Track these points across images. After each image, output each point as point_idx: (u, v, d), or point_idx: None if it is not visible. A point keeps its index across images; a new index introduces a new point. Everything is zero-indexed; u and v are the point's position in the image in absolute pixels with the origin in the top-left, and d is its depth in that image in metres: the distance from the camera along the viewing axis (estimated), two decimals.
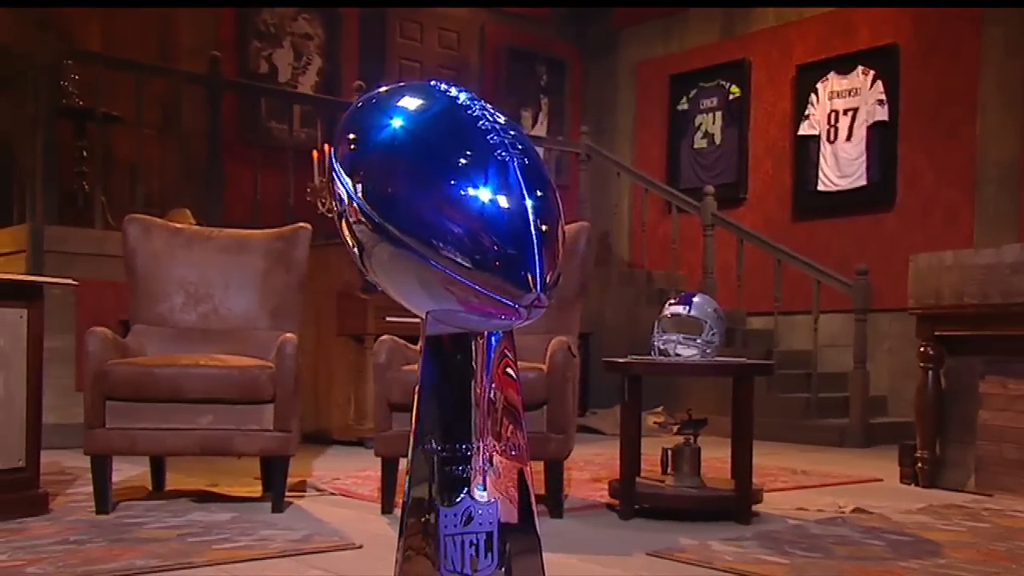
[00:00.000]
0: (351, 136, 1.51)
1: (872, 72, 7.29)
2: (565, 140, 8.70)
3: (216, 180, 6.52)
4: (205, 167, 6.58)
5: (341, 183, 1.48)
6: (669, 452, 3.68)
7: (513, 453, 1.56)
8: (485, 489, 1.51)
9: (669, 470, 3.68)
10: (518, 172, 1.42)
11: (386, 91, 1.58)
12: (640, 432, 3.73)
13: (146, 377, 3.41)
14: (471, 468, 1.48)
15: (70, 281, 3.64)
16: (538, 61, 9.16)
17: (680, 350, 3.69)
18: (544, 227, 1.43)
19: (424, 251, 1.37)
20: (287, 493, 3.60)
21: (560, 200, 1.51)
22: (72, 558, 2.69)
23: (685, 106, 8.60)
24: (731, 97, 8.27)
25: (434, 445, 1.48)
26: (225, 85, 6.76)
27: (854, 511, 3.74)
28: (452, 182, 1.38)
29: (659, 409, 6.18)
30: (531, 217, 1.41)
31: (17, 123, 6.02)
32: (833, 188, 7.47)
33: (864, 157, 7.31)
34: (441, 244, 1.36)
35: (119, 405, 3.42)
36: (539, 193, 1.44)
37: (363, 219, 1.41)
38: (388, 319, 5.52)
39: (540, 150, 8.40)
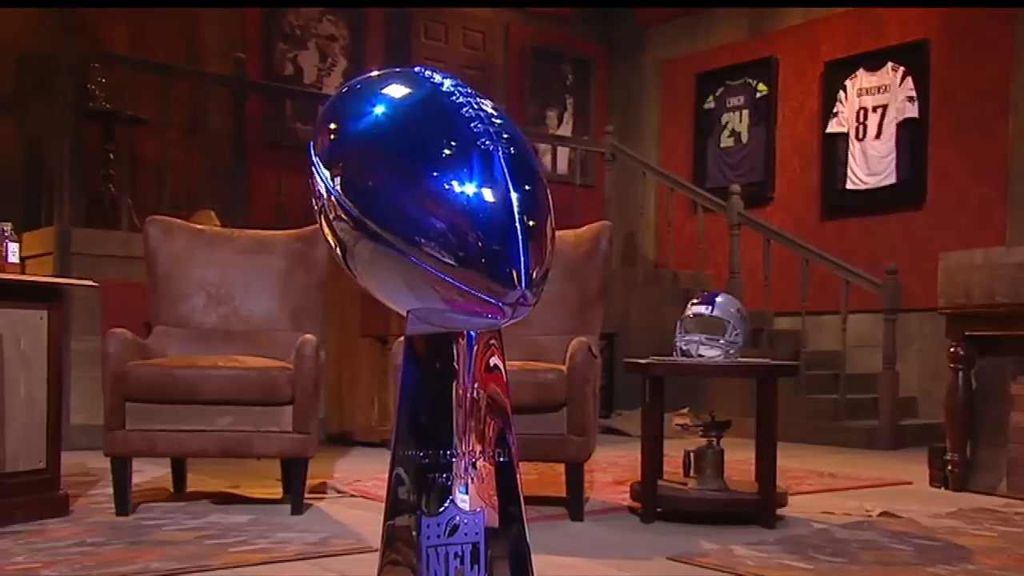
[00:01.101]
0: (331, 126, 1.45)
1: (902, 68, 7.17)
2: (590, 140, 8.65)
3: (241, 182, 6.53)
4: (230, 169, 6.59)
5: (319, 176, 1.42)
6: (692, 454, 3.62)
7: (501, 459, 1.50)
8: (470, 497, 1.44)
9: (692, 473, 3.62)
10: (503, 163, 1.35)
11: (369, 78, 1.51)
12: (662, 434, 3.68)
13: (165, 378, 3.41)
14: (455, 475, 1.41)
15: (90, 282, 3.64)
16: (563, 61, 9.11)
17: (703, 351, 3.63)
18: (531, 221, 1.36)
19: (405, 248, 1.31)
20: (307, 495, 3.58)
21: (549, 193, 1.45)
22: (88, 560, 2.68)
23: (712, 105, 8.51)
24: (758, 95, 8.18)
25: (415, 451, 1.42)
26: (250, 87, 6.77)
27: (881, 515, 3.67)
28: (434, 174, 1.32)
29: (684, 410, 6.10)
30: (516, 210, 1.35)
31: (46, 127, 6.07)
32: (862, 186, 7.36)
33: (894, 155, 7.19)
34: (423, 240, 1.30)
35: (138, 407, 3.41)
36: (526, 186, 1.37)
37: (343, 215, 1.36)
38: None
39: (565, 150, 8.39)
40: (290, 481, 3.59)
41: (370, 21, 8.07)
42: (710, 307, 3.64)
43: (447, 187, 1.32)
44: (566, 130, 9.00)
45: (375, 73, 1.52)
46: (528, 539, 1.60)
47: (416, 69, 1.51)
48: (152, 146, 6.40)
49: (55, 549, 2.81)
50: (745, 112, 8.26)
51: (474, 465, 1.43)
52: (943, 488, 4.39)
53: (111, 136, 6.38)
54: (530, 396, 3.37)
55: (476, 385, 1.46)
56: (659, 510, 3.48)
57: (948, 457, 4.40)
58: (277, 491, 3.88)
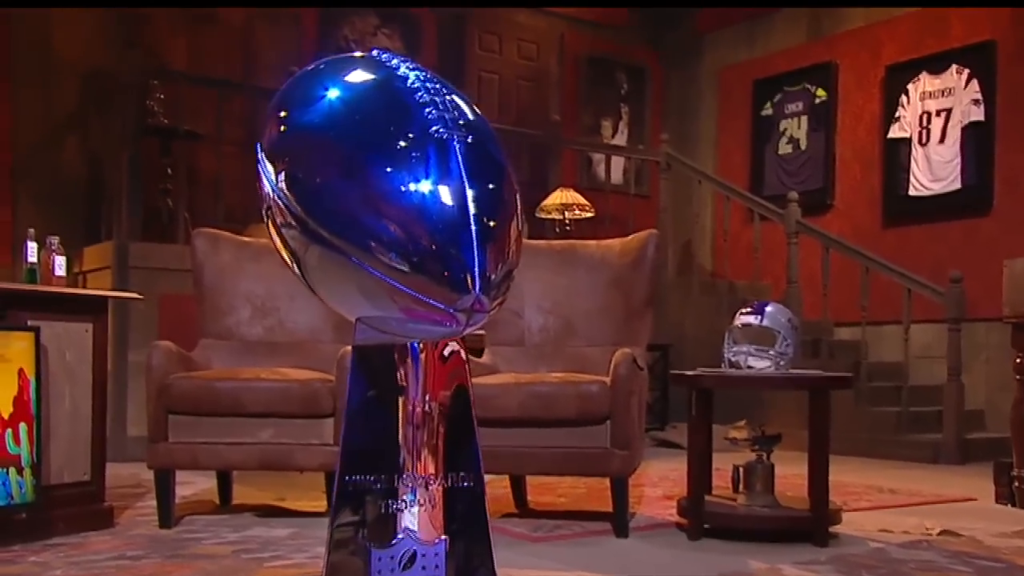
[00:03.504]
0: (281, 114, 1.35)
1: (967, 71, 6.93)
2: (645, 149, 8.52)
3: None
4: None
5: (264, 173, 1.33)
6: (741, 469, 3.49)
7: (466, 483, 1.38)
8: (428, 525, 1.33)
9: (741, 488, 3.49)
10: (460, 155, 1.24)
11: (323, 62, 1.41)
12: (710, 448, 3.56)
13: (207, 391, 3.39)
14: (410, 500, 1.29)
15: (135, 295, 3.65)
16: (618, 69, 9.01)
17: (752, 362, 3.50)
18: (490, 220, 1.25)
19: (356, 253, 1.22)
20: None
21: (517, 189, 1.33)
22: (124, 574, 2.67)
23: (769, 111, 8.34)
24: (817, 101, 7.99)
25: (362, 475, 1.31)
26: None
27: (942, 533, 3.49)
28: (387, 170, 1.21)
29: (741, 423, 5.93)
30: (471, 208, 1.24)
31: (106, 142, 6.16)
32: (925, 192, 7.13)
33: (958, 159, 6.95)
34: (374, 244, 1.20)
35: (181, 419, 3.40)
36: (485, 181, 1.26)
37: (289, 218, 1.27)
38: None
39: (620, 159, 8.28)
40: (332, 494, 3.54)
41: (424, 34, 8.07)
42: (759, 317, 3.52)
43: (397, 184, 1.21)
44: (621, 139, 8.89)
45: (329, 58, 1.42)
46: (496, 572, 1.44)
47: (374, 52, 1.40)
48: (209, 160, 6.46)
49: (93, 562, 2.80)
50: (804, 118, 8.08)
51: (426, 487, 1.31)
52: (1009, 505, 4.18)
53: (169, 151, 6.45)
54: (573, 409, 3.29)
55: (428, 398, 1.34)
56: (707, 527, 3.36)
57: (1015, 473, 4.19)
58: (322, 504, 3.84)
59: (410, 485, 1.31)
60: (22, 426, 2.97)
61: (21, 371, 3.00)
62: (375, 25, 7.90)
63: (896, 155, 7.35)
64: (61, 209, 6.17)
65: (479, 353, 3.90)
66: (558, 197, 6.76)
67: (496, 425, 3.34)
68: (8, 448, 2.93)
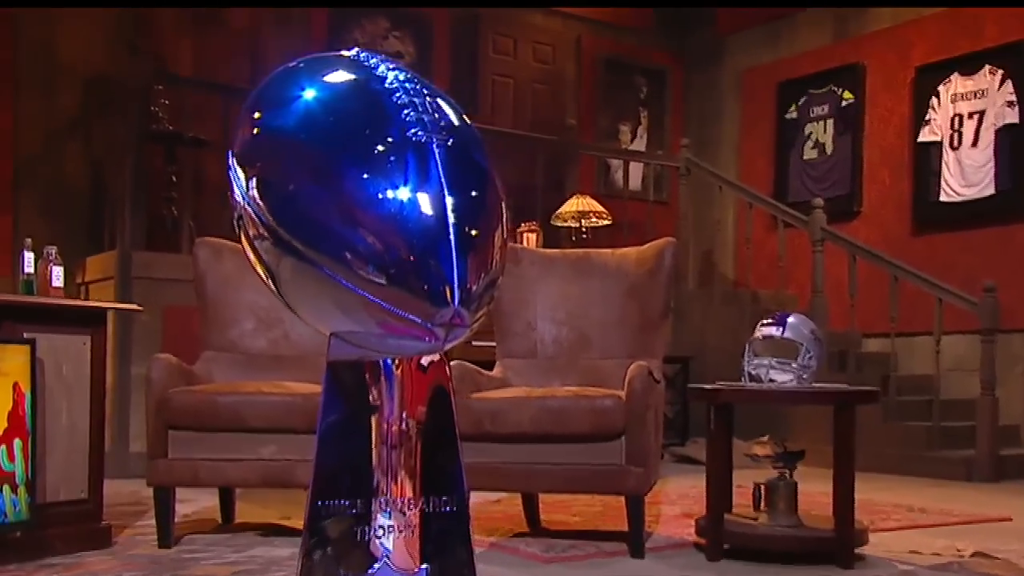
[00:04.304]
0: (254, 115, 1.33)
1: (1000, 72, 6.88)
2: (665, 154, 8.50)
3: None
4: None
5: (234, 180, 1.31)
6: (762, 487, 3.46)
7: (447, 508, 1.35)
8: (407, 553, 1.30)
9: (762, 507, 3.45)
10: (439, 160, 1.22)
11: (299, 62, 1.39)
12: (730, 464, 3.52)
13: (207, 405, 3.39)
14: (387, 525, 1.26)
15: (135, 307, 3.65)
16: (637, 72, 8.99)
17: (773, 375, 3.47)
18: (471, 229, 1.22)
19: (330, 266, 1.19)
20: None
21: (503, 196, 1.31)
22: None
23: (794, 114, 8.29)
24: (844, 103, 7.94)
25: (336, 500, 1.28)
26: None
27: (974, 555, 3.44)
28: (363, 176, 1.18)
29: (764, 438, 5.89)
30: (451, 217, 1.21)
31: (109, 149, 6.19)
32: (957, 198, 7.07)
33: (992, 164, 6.89)
34: (349, 256, 1.18)
35: (182, 435, 3.40)
36: (467, 187, 1.23)
37: (261, 229, 1.25)
38: (474, 343, 5.42)
39: (639, 165, 8.25)
40: None
41: (436, 37, 8.08)
42: (781, 328, 3.48)
43: (373, 192, 1.18)
44: (640, 145, 8.87)
45: (307, 57, 1.40)
46: None
47: (352, 51, 1.38)
48: (215, 168, 6.47)
49: None
50: (830, 122, 8.03)
51: (403, 512, 1.28)
52: None
53: (174, 158, 6.47)
54: (586, 424, 3.27)
55: (405, 416, 1.31)
56: (726, 547, 3.32)
57: None
58: None
59: (387, 510, 1.28)
60: (17, 442, 2.98)
61: (16, 385, 3.00)
62: (386, 28, 7.92)
63: (926, 159, 7.28)
64: (63, 218, 6.20)
65: (489, 366, 3.88)
66: (574, 204, 6.75)
67: (507, 441, 3.33)
68: (2, 465, 2.93)
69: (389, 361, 1.30)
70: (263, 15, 7.25)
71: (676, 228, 7.46)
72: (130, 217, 5.73)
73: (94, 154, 6.44)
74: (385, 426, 1.29)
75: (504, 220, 1.30)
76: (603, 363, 3.79)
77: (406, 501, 1.30)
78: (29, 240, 3.52)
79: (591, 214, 6.71)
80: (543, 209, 6.91)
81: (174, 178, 6.45)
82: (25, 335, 3.11)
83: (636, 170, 8.39)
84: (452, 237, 1.20)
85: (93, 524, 3.33)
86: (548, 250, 4.39)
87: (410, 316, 1.20)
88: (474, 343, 5.38)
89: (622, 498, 3.35)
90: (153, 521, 3.56)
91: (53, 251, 3.49)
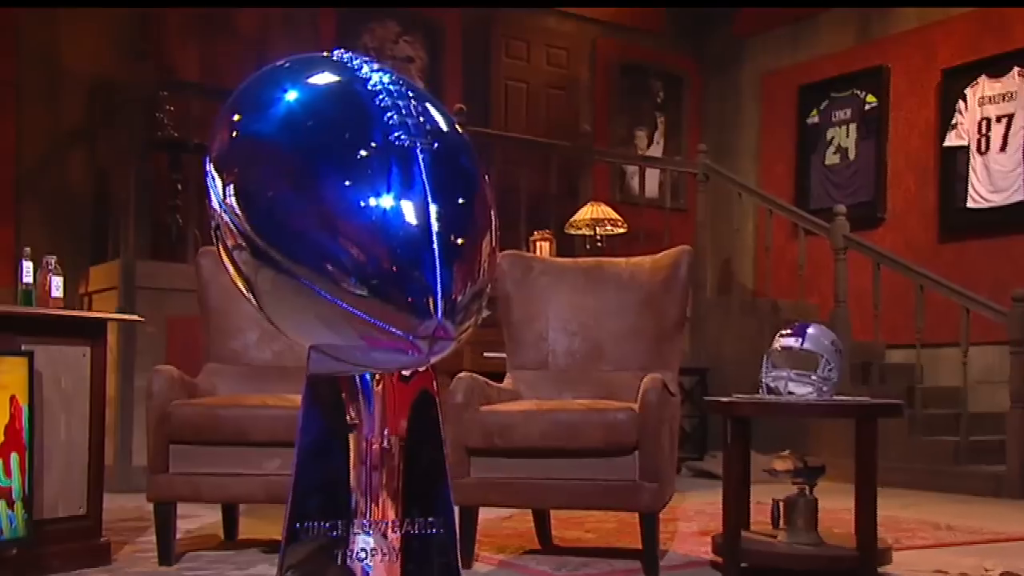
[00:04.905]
0: (234, 117, 1.31)
1: None
2: (682, 160, 8.47)
3: None
4: None
5: (211, 187, 1.29)
6: (780, 504, 3.42)
7: (433, 530, 1.32)
8: None
9: (782, 524, 3.42)
10: (423, 165, 1.20)
11: (279, 64, 1.37)
12: (748, 480, 3.49)
13: (209, 419, 3.38)
14: (368, 549, 1.24)
15: (136, 317, 3.66)
16: (653, 77, 8.98)
17: (792, 387, 3.44)
18: (457, 238, 1.20)
19: (310, 278, 1.17)
20: None
21: (492, 203, 1.28)
22: None
23: (815, 119, 8.27)
24: (867, 107, 7.91)
25: (315, 522, 1.26)
26: None
27: (1003, 575, 3.39)
28: (342, 182, 1.16)
29: (785, 453, 5.85)
30: (434, 225, 1.19)
31: (113, 157, 6.21)
32: (985, 204, 7.03)
33: (1021, 168, 6.85)
34: (331, 267, 1.16)
35: (183, 449, 3.39)
36: (453, 194, 1.20)
37: (239, 239, 1.23)
38: (486, 355, 5.41)
39: (655, 172, 8.23)
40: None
41: (447, 41, 8.09)
42: (800, 339, 3.45)
43: (354, 199, 1.16)
44: (656, 150, 8.85)
45: (298, 56, 1.39)
46: None
47: (336, 52, 1.37)
48: None
49: None
50: (852, 126, 8.00)
51: (384, 534, 1.25)
52: None
53: (179, 166, 6.49)
54: (598, 438, 3.25)
55: (387, 433, 1.28)
56: (744, 566, 3.29)
57: None
58: None
59: (368, 531, 1.25)
60: (13, 456, 2.97)
61: (13, 398, 3.00)
62: (396, 32, 7.94)
63: (953, 164, 7.25)
64: (66, 226, 6.23)
65: (500, 377, 3.87)
66: (589, 212, 6.72)
67: (517, 455, 3.31)
68: None
69: (367, 376, 1.27)
70: (271, 20, 7.28)
71: (694, 236, 7.43)
72: (134, 226, 5.74)
73: (98, 162, 6.47)
74: (364, 445, 1.27)
75: (493, 227, 1.27)
76: (616, 375, 3.76)
77: (388, 523, 1.27)
78: (28, 249, 3.52)
79: (606, 222, 6.68)
80: (557, 217, 6.90)
81: (179, 186, 6.47)
82: (23, 347, 3.11)
83: (653, 177, 8.37)
84: (436, 246, 1.18)
85: (92, 541, 3.32)
86: (560, 259, 4.38)
87: (392, 329, 1.18)
88: (485, 354, 5.39)
89: (631, 516, 3.32)
90: (154, 537, 3.56)
91: (52, 261, 3.49)
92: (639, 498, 3.24)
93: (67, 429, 3.29)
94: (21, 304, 3.41)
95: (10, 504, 2.95)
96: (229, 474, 3.38)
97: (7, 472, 2.95)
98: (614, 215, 6.73)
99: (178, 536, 3.47)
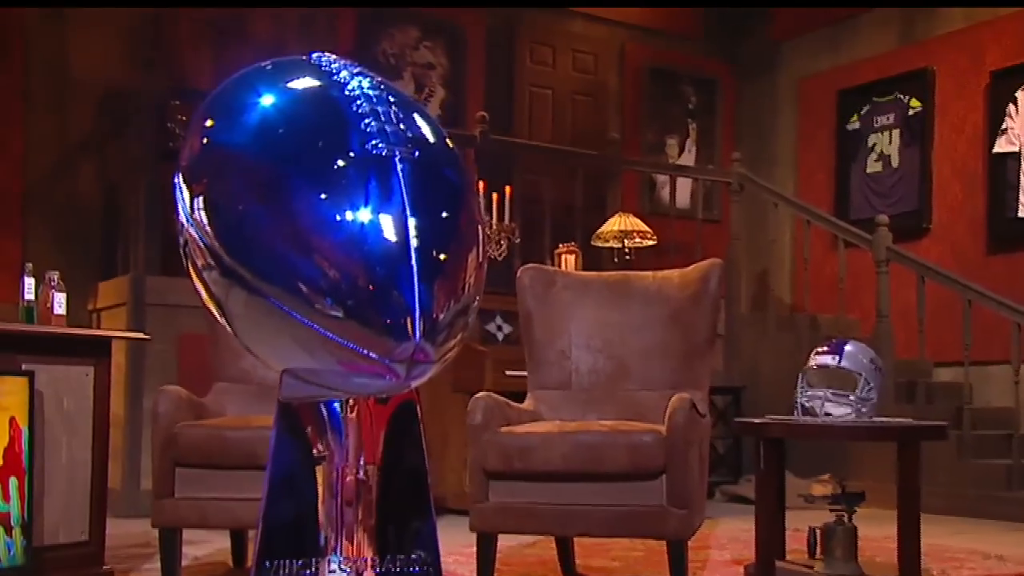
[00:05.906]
0: (207, 123, 1.28)
1: None
2: (715, 169, 8.43)
3: None
4: None
5: (179, 200, 1.26)
6: (818, 531, 3.38)
7: (417, 568, 1.29)
8: None
9: (818, 553, 3.37)
10: (402, 175, 1.16)
11: (254, 68, 1.35)
12: (783, 506, 3.45)
13: (216, 441, 3.38)
14: None
15: (142, 335, 3.67)
16: (685, 82, 8.95)
17: (829, 408, 3.40)
18: (439, 253, 1.16)
19: (283, 299, 1.14)
20: None
21: (478, 216, 1.25)
22: None
23: (856, 125, 8.21)
24: (911, 112, 7.84)
25: (283, 560, 1.22)
26: None
27: None
28: (318, 195, 1.13)
29: (825, 477, 5.77)
30: (412, 241, 1.15)
31: (124, 168, 6.25)
32: None
33: None
34: (305, 288, 1.13)
35: (189, 472, 3.40)
36: (434, 206, 1.17)
37: (208, 258, 1.20)
38: (508, 373, 5.40)
39: (687, 181, 8.19)
40: None
41: (469, 46, 8.11)
42: (837, 357, 3.42)
43: (329, 213, 1.13)
44: (688, 159, 8.82)
45: (279, 59, 1.37)
46: None
47: (314, 55, 1.35)
48: None
49: None
50: (895, 132, 7.93)
51: (359, 574, 1.22)
52: None
53: None
54: (624, 461, 3.21)
55: (364, 463, 1.24)
56: None
57: None
58: None
59: (344, 570, 1.21)
60: (12, 481, 2.98)
61: (13, 420, 3.01)
62: (416, 38, 7.96)
63: (1002, 172, 7.17)
64: (75, 241, 6.27)
65: (521, 397, 3.84)
66: (617, 223, 6.69)
67: (538, 479, 3.29)
68: None
69: (334, 404, 1.24)
70: (286, 27, 7.32)
71: (728, 248, 7.38)
72: (144, 240, 5.77)
73: (108, 174, 6.51)
74: (335, 476, 1.23)
75: (480, 241, 1.23)
76: (643, 395, 3.73)
77: (364, 561, 1.24)
78: (30, 265, 3.54)
79: (635, 234, 6.65)
80: (583, 229, 6.87)
81: None
82: (24, 366, 3.13)
83: (684, 186, 8.32)
84: (414, 262, 1.14)
85: (94, 568, 3.33)
86: (584, 273, 4.36)
87: (368, 353, 1.14)
88: (507, 372, 5.37)
89: (659, 543, 3.29)
90: (159, 564, 3.56)
91: (56, 276, 3.51)
92: (666, 525, 3.19)
93: (69, 452, 3.30)
94: (22, 321, 3.43)
95: (8, 530, 2.96)
96: (237, 499, 3.37)
97: (6, 497, 2.96)
98: (643, 227, 6.69)
99: (185, 563, 3.47)
